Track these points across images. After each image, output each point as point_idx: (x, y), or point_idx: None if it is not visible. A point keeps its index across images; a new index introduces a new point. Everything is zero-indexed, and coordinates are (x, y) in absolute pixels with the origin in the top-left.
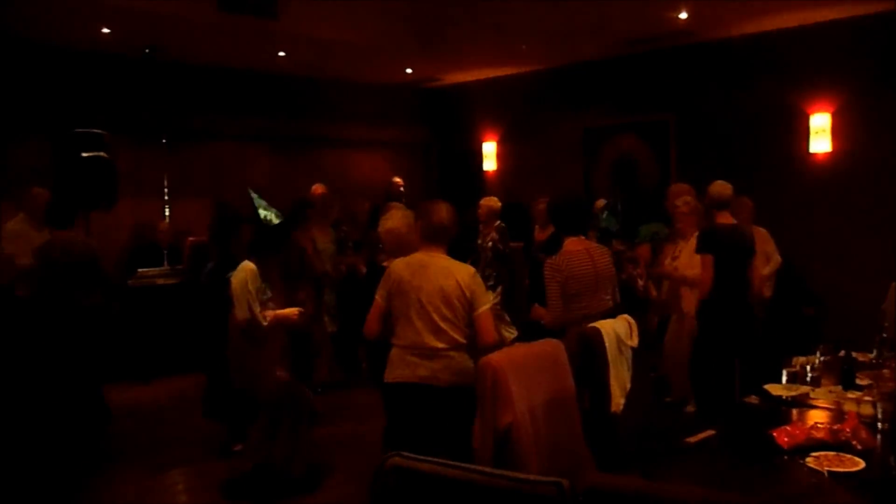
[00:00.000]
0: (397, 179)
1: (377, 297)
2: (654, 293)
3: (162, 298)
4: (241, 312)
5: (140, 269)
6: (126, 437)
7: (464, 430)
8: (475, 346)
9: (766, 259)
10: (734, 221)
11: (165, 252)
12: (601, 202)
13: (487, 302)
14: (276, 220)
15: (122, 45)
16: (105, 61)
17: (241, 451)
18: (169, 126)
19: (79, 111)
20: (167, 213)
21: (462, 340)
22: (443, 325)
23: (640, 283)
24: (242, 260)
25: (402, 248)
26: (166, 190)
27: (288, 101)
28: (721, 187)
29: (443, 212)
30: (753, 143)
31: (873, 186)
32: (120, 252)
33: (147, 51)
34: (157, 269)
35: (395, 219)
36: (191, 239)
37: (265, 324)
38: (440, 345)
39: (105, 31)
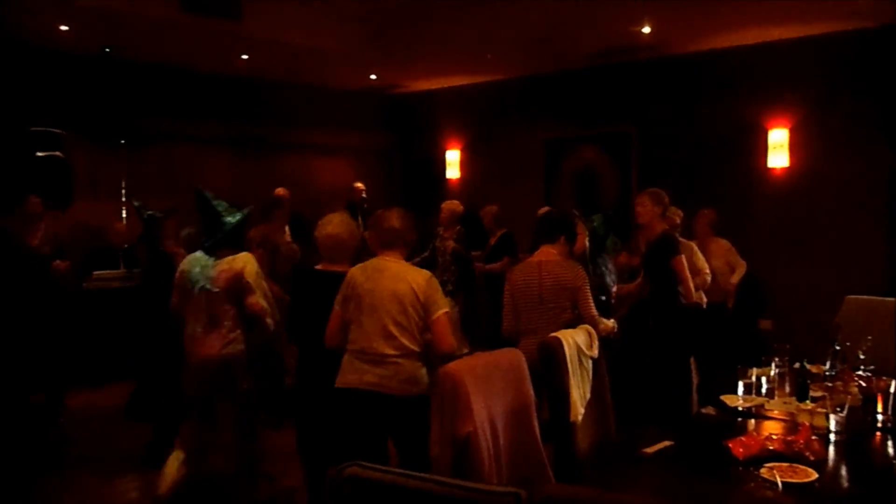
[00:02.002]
0: (359, 185)
1: (335, 304)
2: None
3: (117, 302)
4: (263, 300)
5: (96, 272)
6: (79, 443)
7: (412, 439)
8: (429, 354)
9: (731, 269)
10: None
11: (121, 255)
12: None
13: (444, 307)
14: (236, 218)
15: (80, 43)
16: (62, 59)
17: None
18: (128, 127)
19: (34, 110)
20: (124, 216)
21: (414, 348)
22: (394, 330)
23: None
24: (173, 256)
25: (340, 254)
26: (124, 192)
27: (250, 105)
28: (666, 196)
29: (393, 218)
30: (713, 158)
31: (829, 201)
32: (75, 254)
33: (106, 50)
34: (112, 271)
35: (335, 224)
36: None
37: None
38: (390, 351)
39: (63, 28)
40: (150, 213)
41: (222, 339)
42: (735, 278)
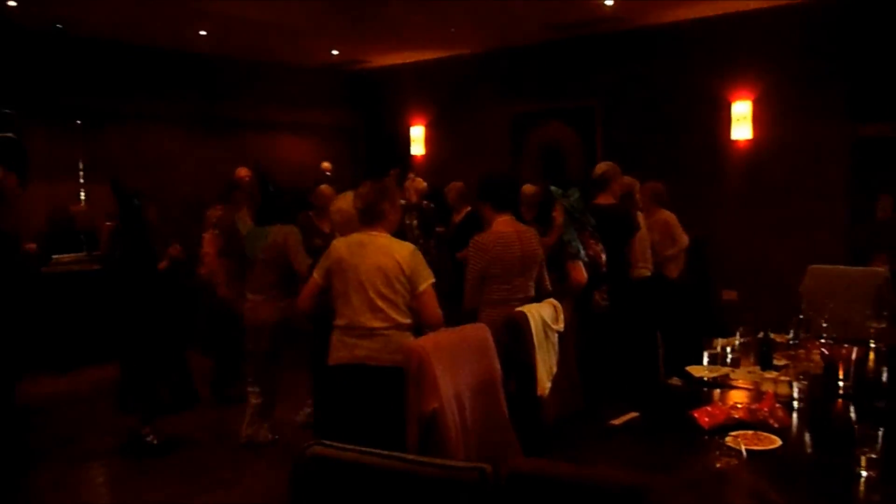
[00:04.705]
0: (325, 164)
1: (314, 273)
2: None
3: (79, 285)
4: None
5: (55, 256)
6: (44, 430)
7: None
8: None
9: (672, 241)
10: (615, 201)
11: (83, 237)
12: (530, 188)
13: (430, 279)
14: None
15: (29, 18)
16: (11, 36)
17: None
18: (84, 107)
19: None
20: (83, 197)
21: (402, 320)
22: (381, 303)
23: (604, 258)
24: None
25: (352, 228)
26: (81, 173)
27: (210, 83)
28: (603, 168)
29: (361, 192)
30: (677, 130)
31: (792, 172)
32: (33, 238)
33: (58, 26)
34: (73, 255)
35: (347, 200)
36: (108, 223)
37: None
38: (378, 324)
39: (11, 3)
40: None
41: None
42: (671, 251)
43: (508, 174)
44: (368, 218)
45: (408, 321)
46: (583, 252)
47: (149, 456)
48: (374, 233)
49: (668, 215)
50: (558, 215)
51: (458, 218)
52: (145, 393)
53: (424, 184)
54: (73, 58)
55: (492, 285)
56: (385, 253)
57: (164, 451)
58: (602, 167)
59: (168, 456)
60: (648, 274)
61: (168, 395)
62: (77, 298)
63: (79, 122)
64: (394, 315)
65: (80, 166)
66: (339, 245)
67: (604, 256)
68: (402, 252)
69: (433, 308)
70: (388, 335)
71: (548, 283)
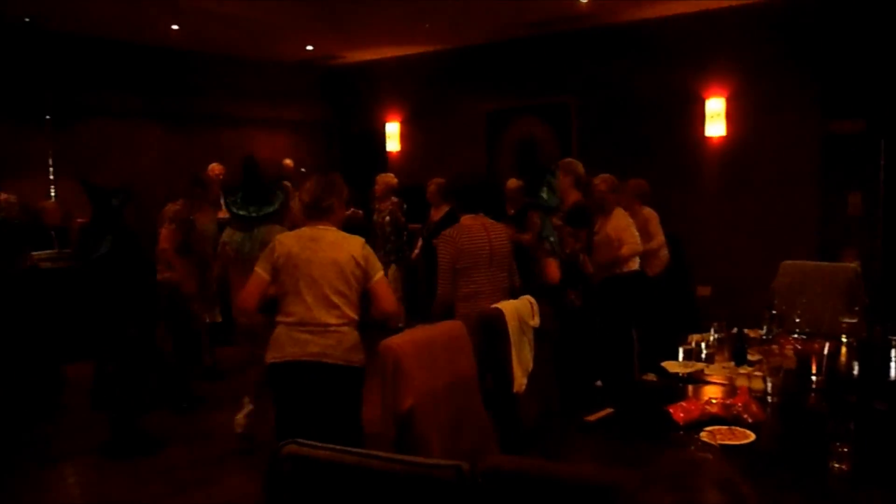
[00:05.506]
0: (287, 161)
1: (259, 269)
2: (590, 269)
3: (49, 283)
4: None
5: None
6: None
7: (349, 411)
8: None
9: (649, 238)
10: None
11: (53, 234)
12: (514, 182)
13: (381, 270)
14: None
15: None
16: None
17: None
18: (53, 102)
19: None
20: (53, 194)
21: (355, 316)
22: (335, 299)
23: (582, 257)
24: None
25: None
26: (51, 169)
27: (183, 77)
28: (582, 167)
29: (308, 187)
30: (652, 127)
31: (765, 168)
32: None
33: (27, 20)
34: (43, 252)
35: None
36: (79, 220)
37: None
38: (333, 320)
39: None
40: (113, 195)
41: None
42: (646, 246)
43: (479, 176)
44: (315, 212)
45: (358, 318)
46: (554, 246)
47: (134, 455)
48: (322, 227)
49: (649, 213)
50: (534, 216)
51: (437, 215)
52: (127, 391)
53: (395, 180)
54: (43, 52)
55: (461, 279)
56: (338, 248)
57: (146, 451)
58: (582, 167)
59: (144, 456)
60: (636, 268)
61: (147, 394)
62: (47, 296)
63: (48, 116)
64: (348, 311)
65: (50, 162)
66: (287, 239)
67: (581, 256)
68: (354, 245)
69: (389, 296)
70: (342, 332)
71: (517, 277)
